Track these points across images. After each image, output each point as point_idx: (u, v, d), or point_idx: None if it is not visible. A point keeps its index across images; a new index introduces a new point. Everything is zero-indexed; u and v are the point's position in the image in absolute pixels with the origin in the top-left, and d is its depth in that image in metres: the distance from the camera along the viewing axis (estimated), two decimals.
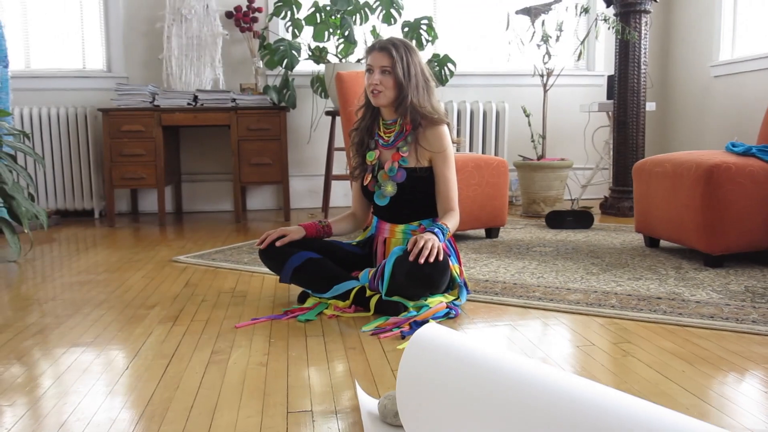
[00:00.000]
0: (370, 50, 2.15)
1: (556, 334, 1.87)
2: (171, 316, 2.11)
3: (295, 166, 4.87)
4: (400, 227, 2.24)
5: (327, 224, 2.27)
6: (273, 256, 2.17)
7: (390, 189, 2.19)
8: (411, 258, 1.93)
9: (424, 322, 1.94)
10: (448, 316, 2.02)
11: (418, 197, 2.21)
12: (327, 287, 2.09)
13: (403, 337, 1.84)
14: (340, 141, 4.44)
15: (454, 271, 2.12)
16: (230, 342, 1.83)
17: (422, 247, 1.95)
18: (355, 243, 2.34)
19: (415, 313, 1.98)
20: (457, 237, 3.36)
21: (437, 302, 2.03)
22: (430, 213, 2.24)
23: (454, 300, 2.10)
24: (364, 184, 2.25)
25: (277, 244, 2.18)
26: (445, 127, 2.18)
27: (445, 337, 1.05)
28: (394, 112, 2.18)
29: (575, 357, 1.68)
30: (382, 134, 2.23)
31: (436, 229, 2.05)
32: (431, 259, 1.93)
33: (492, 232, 3.43)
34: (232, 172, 4.30)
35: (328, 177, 4.47)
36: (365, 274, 2.11)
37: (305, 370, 1.62)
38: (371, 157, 2.23)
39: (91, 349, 1.80)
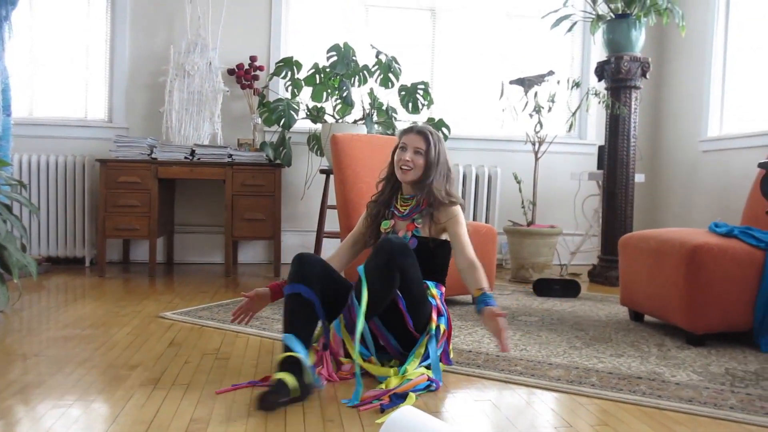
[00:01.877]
0: (407, 131, 2.37)
1: (535, 413, 1.88)
2: (153, 378, 2.11)
3: (288, 221, 4.91)
4: None
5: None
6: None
7: None
8: (503, 348, 1.99)
9: (405, 394, 1.95)
10: (429, 389, 2.03)
11: (425, 263, 2.30)
12: (284, 329, 2.07)
13: (383, 410, 1.85)
14: (333, 198, 4.49)
15: (431, 323, 2.17)
16: (210, 409, 1.83)
17: (505, 336, 2.01)
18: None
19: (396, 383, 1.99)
20: (446, 303, 3.37)
21: (418, 374, 2.04)
22: (434, 277, 2.37)
23: (432, 363, 2.12)
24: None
25: (244, 323, 2.36)
26: (459, 208, 2.36)
27: (419, 426, 1.07)
28: (413, 188, 2.38)
29: None
30: (398, 206, 2.41)
31: (490, 301, 2.10)
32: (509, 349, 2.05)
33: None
34: (224, 226, 4.33)
35: (320, 233, 4.49)
36: (337, 323, 2.14)
37: None
38: (386, 225, 2.40)
39: (71, 412, 1.79)
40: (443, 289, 2.36)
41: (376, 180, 2.48)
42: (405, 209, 2.37)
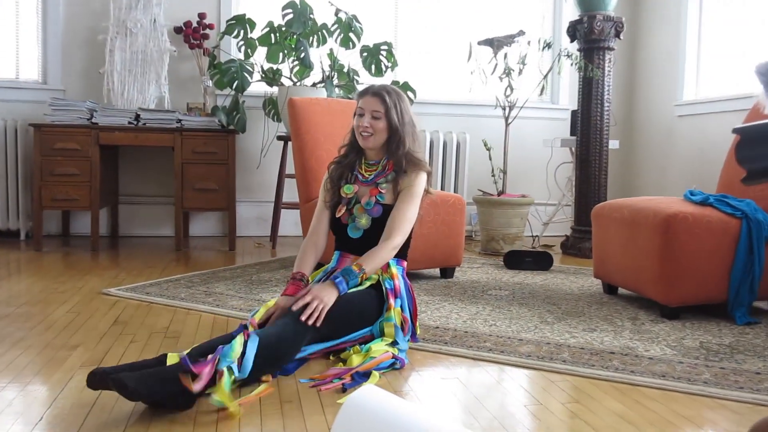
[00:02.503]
0: (362, 94, 2.32)
1: (504, 390, 1.89)
2: (95, 358, 2.06)
3: (243, 191, 4.84)
4: None
5: (307, 280, 2.26)
6: None
7: (364, 222, 2.29)
8: (302, 317, 1.95)
9: (368, 373, 1.94)
10: (394, 367, 2.02)
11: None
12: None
13: (344, 390, 1.84)
14: (291, 167, 4.43)
15: (396, 317, 2.14)
16: None
17: (312, 307, 1.98)
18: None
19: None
20: (410, 276, 3.38)
21: (382, 352, 2.04)
22: (398, 252, 2.29)
23: (399, 346, 2.11)
24: (337, 216, 2.30)
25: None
26: (425, 174, 2.32)
27: (379, 408, 1.06)
28: (380, 154, 2.34)
29: (521, 418, 1.70)
30: (362, 171, 2.37)
31: (338, 280, 2.09)
32: (312, 322, 1.97)
33: (447, 272, 3.46)
34: (174, 196, 4.25)
35: (278, 204, 4.45)
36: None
37: (236, 428, 1.60)
38: (349, 190, 2.34)
39: (5, 394, 1.74)
40: (405, 264, 2.34)
41: (339, 146, 2.44)
42: (369, 174, 2.34)
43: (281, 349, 1.90)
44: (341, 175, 2.37)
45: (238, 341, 1.81)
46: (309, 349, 2.03)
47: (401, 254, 2.34)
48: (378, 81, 4.70)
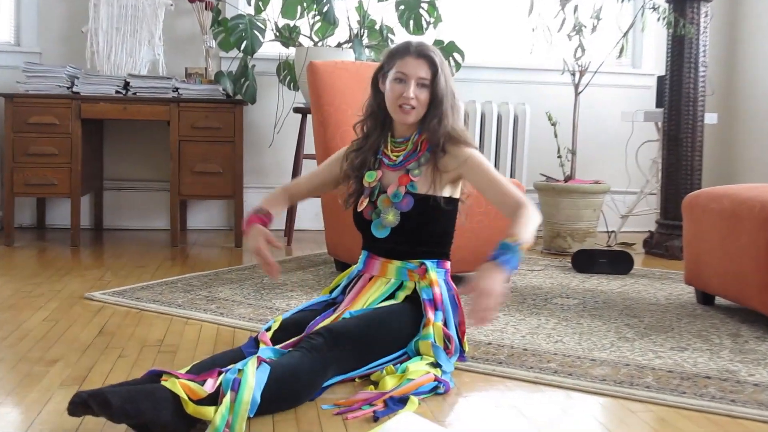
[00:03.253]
0: (400, 54, 2.25)
1: (572, 422, 1.88)
2: (77, 376, 2.11)
3: (253, 175, 4.88)
4: (395, 264, 2.29)
5: (268, 214, 2.34)
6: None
7: (392, 218, 2.26)
8: (474, 321, 1.95)
9: (405, 398, 1.95)
10: (436, 392, 2.03)
11: (424, 231, 2.26)
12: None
13: (376, 418, 1.85)
14: (310, 145, 4.44)
15: (437, 335, 2.14)
16: None
17: (482, 307, 1.93)
18: (331, 295, 2.36)
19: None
20: (458, 282, 3.36)
21: (422, 373, 2.04)
22: (436, 251, 2.30)
23: (443, 369, 2.11)
24: (359, 210, 2.30)
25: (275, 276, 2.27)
26: (473, 149, 2.29)
27: None
28: (411, 128, 2.29)
29: None
30: (388, 153, 2.32)
31: (503, 258, 2.01)
32: (486, 324, 1.97)
33: None
34: (169, 181, 4.30)
35: None
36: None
37: None
38: (371, 177, 2.31)
39: None
40: (447, 265, 2.34)
41: (355, 123, 2.40)
42: (398, 156, 2.31)
43: (295, 387, 1.88)
44: (364, 162, 2.32)
45: (251, 370, 1.79)
46: (331, 382, 2.02)
47: (442, 253, 2.33)
48: (415, 39, 4.68)
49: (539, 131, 4.95)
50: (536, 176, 4.82)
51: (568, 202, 4.27)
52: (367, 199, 2.29)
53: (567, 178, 4.43)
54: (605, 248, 4.14)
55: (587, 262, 3.77)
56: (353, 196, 2.35)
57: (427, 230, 2.28)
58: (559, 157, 4.49)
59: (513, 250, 2.03)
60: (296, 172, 4.42)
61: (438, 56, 2.24)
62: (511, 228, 2.10)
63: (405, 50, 2.25)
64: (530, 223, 2.12)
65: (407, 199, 2.25)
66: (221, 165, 4.27)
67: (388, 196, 2.25)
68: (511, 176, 4.89)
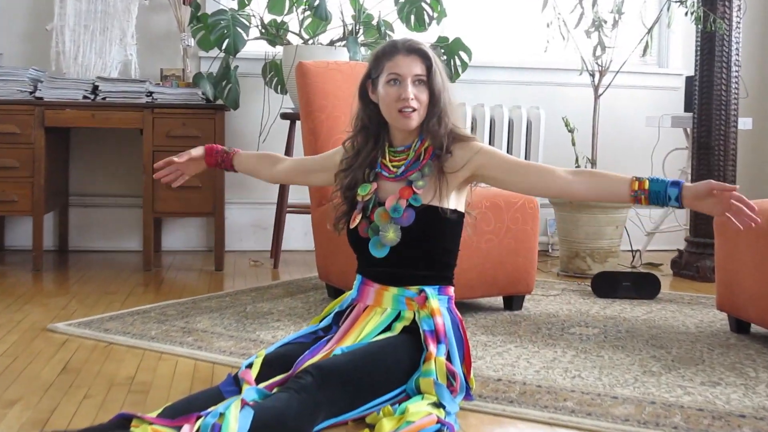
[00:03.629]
0: (391, 52, 2.28)
1: None
2: (38, 419, 2.10)
3: (235, 189, 4.88)
4: (391, 292, 2.28)
5: (227, 152, 2.60)
6: None
7: (392, 235, 2.26)
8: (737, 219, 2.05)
9: None
10: None
11: (426, 247, 2.26)
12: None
13: None
14: (299, 155, 4.46)
15: (439, 371, 2.14)
16: None
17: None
18: (320, 325, 2.35)
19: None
20: (463, 308, 3.37)
21: (423, 414, 2.04)
22: (438, 275, 2.30)
23: (447, 409, 2.11)
24: (352, 227, 2.30)
25: (174, 184, 2.62)
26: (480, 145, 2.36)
27: None
28: (411, 134, 2.33)
29: None
30: (387, 163, 2.35)
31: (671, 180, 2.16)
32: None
33: (514, 302, 3.45)
34: (142, 197, 4.30)
35: (282, 207, 4.48)
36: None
37: None
38: (365, 190, 2.31)
39: None
40: (451, 291, 2.33)
41: (344, 138, 2.43)
42: (398, 166, 2.32)
43: None
44: (354, 181, 2.34)
45: (233, 415, 1.79)
46: (321, 426, 2.01)
47: (445, 278, 2.33)
48: (419, 37, 4.69)
49: (555, 138, 4.96)
50: None
51: (588, 219, 4.27)
52: (361, 215, 2.29)
53: None
54: (629, 270, 4.14)
55: (609, 285, 3.77)
56: (344, 217, 2.35)
57: (429, 246, 2.29)
58: (578, 166, 4.50)
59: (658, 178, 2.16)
60: (284, 185, 4.43)
61: (429, 49, 2.30)
62: (616, 176, 2.26)
63: (393, 49, 2.29)
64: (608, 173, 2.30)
65: (408, 213, 2.25)
66: (200, 179, 4.26)
67: (387, 210, 2.26)
68: None
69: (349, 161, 2.37)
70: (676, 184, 2.10)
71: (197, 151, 2.61)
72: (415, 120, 2.27)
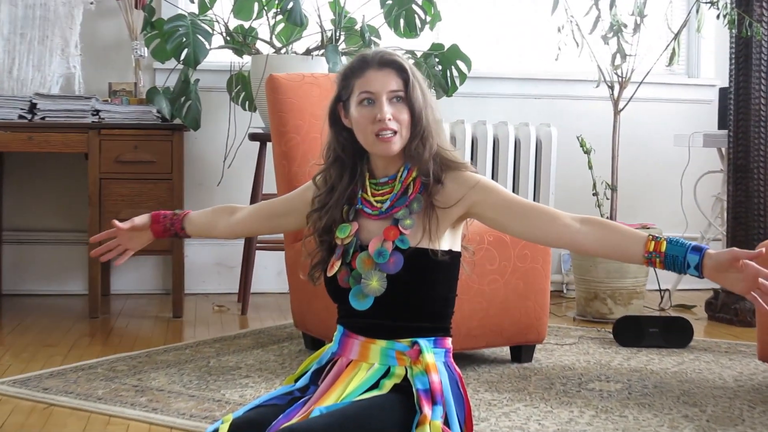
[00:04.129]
0: (360, 69, 2.23)
1: None
2: None
3: None
4: (379, 345, 2.25)
5: (177, 215, 2.49)
6: None
7: (376, 285, 2.21)
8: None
9: None
10: None
11: (417, 297, 2.22)
12: None
13: None
14: (271, 183, 4.45)
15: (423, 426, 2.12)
16: None
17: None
18: (296, 385, 2.33)
19: None
20: (464, 361, 3.36)
21: None
22: (433, 325, 2.27)
23: None
24: (329, 275, 2.26)
25: (116, 263, 2.47)
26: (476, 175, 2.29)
27: None
28: (395, 163, 2.26)
29: None
30: (369, 198, 2.28)
31: (693, 244, 2.03)
32: None
33: (522, 353, 3.44)
34: (87, 232, 4.28)
35: (251, 243, 4.47)
36: None
37: None
38: (344, 232, 2.25)
39: None
40: (449, 343, 2.32)
41: (315, 173, 2.36)
42: (382, 201, 2.29)
43: None
44: (334, 223, 2.28)
45: None
46: None
47: (441, 328, 2.31)
48: (409, 44, 4.72)
49: (569, 161, 4.96)
50: None
51: None
52: (340, 261, 2.27)
53: None
54: (657, 314, 4.13)
55: (633, 332, 3.76)
56: (320, 265, 2.33)
57: (421, 296, 2.25)
58: (596, 194, 4.50)
59: (678, 240, 2.04)
60: None
61: (405, 60, 2.25)
62: (632, 232, 2.11)
63: (362, 64, 2.24)
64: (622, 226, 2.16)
65: (395, 257, 2.20)
66: (155, 210, 4.25)
67: (370, 255, 2.24)
68: None
69: (323, 199, 2.30)
70: (697, 249, 2.02)
71: (141, 220, 2.51)
72: (397, 144, 2.20)
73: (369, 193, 2.26)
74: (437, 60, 4.60)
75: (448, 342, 2.32)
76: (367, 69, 2.20)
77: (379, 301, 2.22)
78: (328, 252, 2.28)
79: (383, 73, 2.20)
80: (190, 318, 4.30)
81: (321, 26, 4.51)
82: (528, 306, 3.36)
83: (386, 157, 2.23)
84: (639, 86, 4.59)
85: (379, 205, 2.25)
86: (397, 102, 2.20)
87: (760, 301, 1.89)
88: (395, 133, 2.18)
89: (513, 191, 4.85)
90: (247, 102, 4.62)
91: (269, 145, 4.32)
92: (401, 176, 2.24)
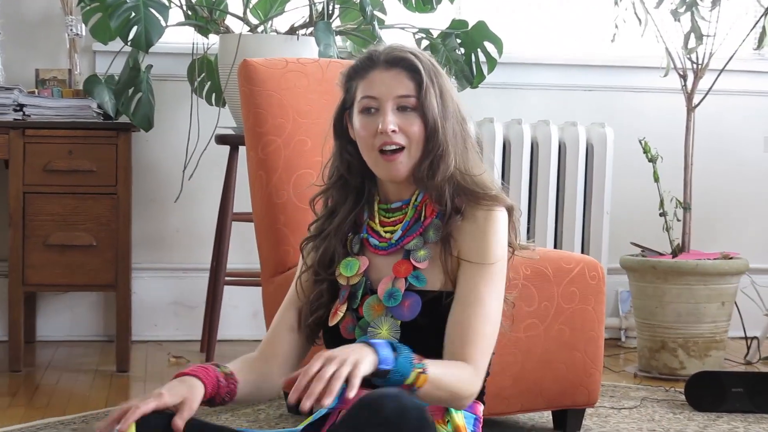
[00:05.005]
0: (365, 68, 2.24)
1: None
2: None
3: (148, 249, 4.89)
4: None
5: (232, 376, 2.21)
6: None
7: (386, 332, 2.21)
8: (292, 397, 1.85)
9: None
10: None
11: (439, 352, 2.23)
12: None
13: None
14: (244, 198, 4.47)
15: None
16: None
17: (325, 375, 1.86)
18: None
19: None
20: (492, 427, 3.37)
21: None
22: None
23: None
24: (331, 324, 2.27)
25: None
26: (502, 214, 2.26)
27: None
28: (407, 187, 2.27)
29: None
30: (376, 227, 2.30)
31: (378, 342, 1.98)
32: (318, 400, 1.83)
33: (569, 420, 3.44)
34: (7, 261, 4.30)
35: (218, 275, 4.46)
36: None
37: None
38: (349, 270, 2.25)
39: None
40: (480, 411, 2.32)
41: (313, 195, 2.37)
42: (392, 232, 2.29)
43: None
44: (330, 255, 2.29)
45: None
46: None
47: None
48: (422, 21, 4.74)
49: (629, 170, 4.98)
50: (625, 247, 4.85)
51: (680, 291, 4.28)
52: (345, 305, 2.28)
53: (677, 251, 4.44)
54: (743, 369, 4.13)
55: (712, 392, 3.76)
56: (319, 310, 2.34)
57: (440, 345, 2.27)
58: (663, 214, 4.51)
59: (403, 355, 1.97)
60: (221, 243, 4.42)
61: (424, 58, 2.24)
62: (433, 361, 2.06)
63: (368, 63, 2.24)
64: (452, 375, 2.08)
65: (411, 300, 2.21)
66: (95, 233, 4.28)
67: (380, 299, 2.24)
68: (582, 249, 4.90)
69: (321, 225, 2.33)
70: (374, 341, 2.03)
71: (178, 391, 2.07)
72: (404, 164, 2.20)
73: (377, 221, 2.29)
74: (459, 41, 4.61)
75: (480, 409, 2.33)
76: (372, 69, 2.22)
77: None
78: (329, 294, 2.29)
79: (391, 74, 2.21)
80: (139, 372, 4.30)
81: None
82: (576, 359, 3.36)
83: (395, 179, 2.24)
84: (719, 75, 4.61)
85: (388, 235, 2.27)
86: (407, 112, 2.19)
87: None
88: (401, 149, 2.19)
89: (557, 213, 4.89)
90: (213, 94, 4.63)
91: (242, 149, 4.34)
92: (416, 200, 2.26)
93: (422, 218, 2.25)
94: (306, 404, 1.80)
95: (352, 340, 2.17)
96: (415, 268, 2.21)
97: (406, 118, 2.18)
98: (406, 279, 2.20)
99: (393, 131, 2.15)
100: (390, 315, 2.19)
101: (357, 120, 2.21)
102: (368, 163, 2.23)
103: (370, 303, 2.22)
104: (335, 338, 2.23)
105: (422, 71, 2.18)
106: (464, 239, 2.21)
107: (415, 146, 2.19)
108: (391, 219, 2.29)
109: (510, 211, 2.25)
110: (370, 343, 1.95)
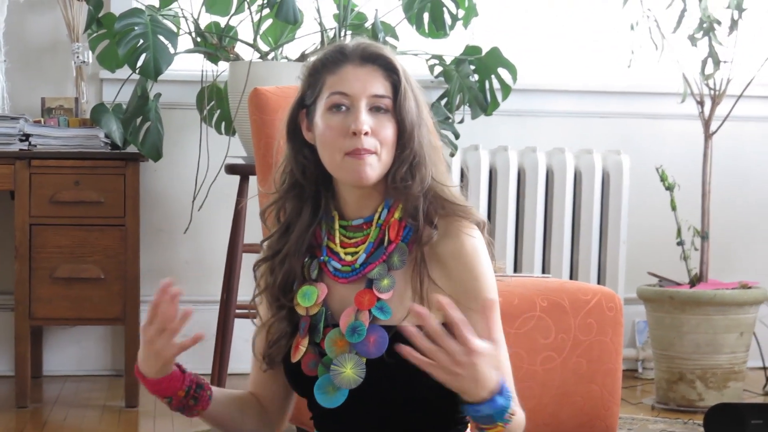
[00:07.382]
0: (335, 63, 2.10)
1: None
2: None
3: (157, 281, 4.82)
4: None
5: (203, 385, 2.16)
6: None
7: (350, 372, 2.11)
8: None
9: None
10: None
11: (410, 389, 2.17)
12: None
13: None
14: (255, 229, 4.47)
15: None
16: None
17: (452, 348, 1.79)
18: None
19: None
20: None
21: None
22: (443, 422, 2.23)
23: None
24: (293, 361, 2.20)
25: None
26: (480, 241, 2.12)
27: None
28: (372, 199, 2.13)
29: None
30: (337, 249, 2.21)
31: (506, 391, 1.87)
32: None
33: None
34: (12, 295, 4.31)
35: (229, 307, 4.48)
36: None
37: None
38: (308, 299, 2.16)
39: None
40: None
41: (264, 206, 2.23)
42: (354, 254, 2.15)
43: None
44: (287, 279, 2.15)
45: None
46: None
47: (454, 421, 2.30)
48: (435, 47, 4.75)
49: (645, 199, 4.99)
50: (642, 277, 4.85)
51: (698, 321, 4.28)
52: (306, 339, 2.14)
53: (695, 280, 4.44)
54: (761, 400, 4.12)
55: (732, 424, 3.76)
56: (280, 342, 2.19)
57: (416, 386, 2.05)
58: (681, 243, 4.51)
59: (506, 396, 1.87)
60: (231, 275, 4.43)
61: (396, 57, 2.12)
62: None
63: (339, 56, 2.10)
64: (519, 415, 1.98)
65: (376, 335, 2.06)
66: (103, 266, 4.28)
67: (342, 334, 2.10)
68: (597, 279, 4.90)
69: (275, 243, 2.19)
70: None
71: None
72: (375, 167, 2.04)
73: (337, 241, 2.15)
74: (473, 68, 4.62)
75: None
76: (345, 63, 2.08)
77: (354, 395, 2.13)
78: (289, 323, 2.17)
79: (366, 70, 2.07)
80: (149, 408, 4.30)
81: (320, 24, 4.54)
82: (593, 391, 3.36)
83: (359, 189, 2.09)
84: (737, 101, 4.61)
85: (349, 258, 2.13)
86: (380, 112, 2.06)
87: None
88: (371, 152, 2.04)
89: (573, 241, 4.89)
90: (223, 123, 4.64)
91: (252, 179, 4.36)
92: (379, 218, 2.12)
93: (386, 242, 2.11)
94: (407, 352, 1.77)
95: (314, 378, 2.10)
96: (378, 299, 2.08)
97: (379, 121, 2.05)
98: (369, 311, 2.08)
99: (366, 133, 2.02)
100: (354, 351, 2.07)
101: (322, 118, 2.06)
102: (329, 168, 2.08)
103: (332, 338, 2.08)
104: (295, 375, 2.15)
105: (400, 71, 2.09)
106: (444, 266, 2.08)
107: (386, 152, 2.06)
108: (353, 240, 2.14)
109: (482, 227, 2.12)
110: (503, 386, 1.85)
